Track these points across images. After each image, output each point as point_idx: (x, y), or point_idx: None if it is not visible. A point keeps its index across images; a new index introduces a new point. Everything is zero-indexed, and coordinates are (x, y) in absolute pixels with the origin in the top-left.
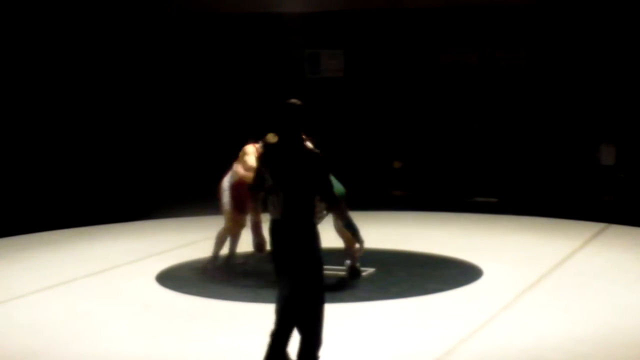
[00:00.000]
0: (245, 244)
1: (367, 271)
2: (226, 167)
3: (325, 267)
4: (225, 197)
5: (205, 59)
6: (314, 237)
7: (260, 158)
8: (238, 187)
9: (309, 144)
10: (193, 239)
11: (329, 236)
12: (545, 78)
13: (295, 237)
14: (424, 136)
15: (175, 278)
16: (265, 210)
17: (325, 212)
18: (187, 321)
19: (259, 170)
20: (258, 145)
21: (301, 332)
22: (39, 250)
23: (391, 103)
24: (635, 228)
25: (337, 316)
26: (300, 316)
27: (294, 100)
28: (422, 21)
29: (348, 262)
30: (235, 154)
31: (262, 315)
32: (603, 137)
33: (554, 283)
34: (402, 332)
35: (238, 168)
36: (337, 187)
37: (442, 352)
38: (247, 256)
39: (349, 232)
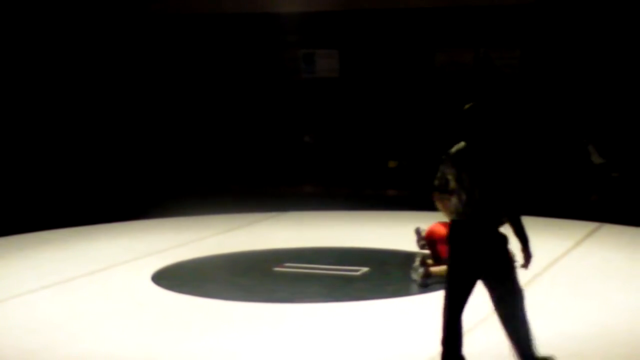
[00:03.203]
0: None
1: (362, 270)
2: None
3: (324, 266)
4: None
5: (201, 59)
6: (501, 238)
7: (447, 160)
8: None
9: (501, 145)
10: (189, 239)
11: (328, 235)
12: (540, 77)
13: (481, 239)
14: (419, 136)
15: (172, 277)
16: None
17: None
18: (183, 320)
19: (444, 172)
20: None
21: (509, 338)
22: (36, 250)
23: (386, 103)
24: (628, 227)
25: (332, 315)
26: (502, 322)
27: (473, 104)
28: (417, 21)
29: (421, 270)
30: (233, 153)
31: (257, 314)
32: (594, 136)
33: (547, 282)
34: (396, 331)
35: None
36: None
37: (437, 351)
38: None
39: (520, 241)
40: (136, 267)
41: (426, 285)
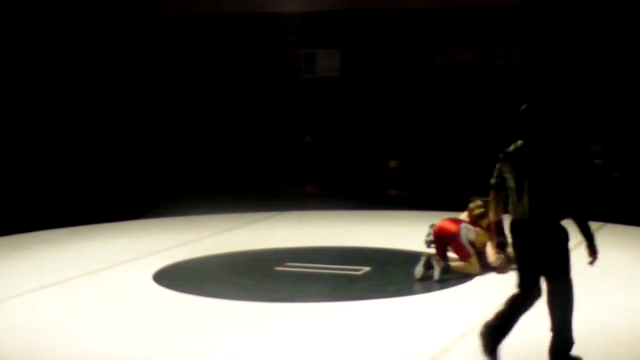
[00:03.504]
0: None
1: (364, 270)
2: (222, 166)
3: (325, 266)
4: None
5: (202, 59)
6: (561, 236)
7: (505, 159)
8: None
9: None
10: (190, 239)
11: (330, 235)
12: (541, 78)
13: (540, 237)
14: (420, 136)
15: (173, 277)
16: (505, 211)
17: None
18: (185, 320)
19: (501, 171)
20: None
21: (552, 326)
22: (35, 250)
23: (387, 103)
24: (630, 227)
25: (334, 315)
26: (549, 310)
27: (530, 104)
28: (418, 21)
29: (442, 265)
30: (234, 153)
31: (260, 314)
32: (595, 137)
33: None
34: (398, 331)
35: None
36: None
37: (438, 350)
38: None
39: (586, 238)
40: (137, 267)
41: (442, 280)
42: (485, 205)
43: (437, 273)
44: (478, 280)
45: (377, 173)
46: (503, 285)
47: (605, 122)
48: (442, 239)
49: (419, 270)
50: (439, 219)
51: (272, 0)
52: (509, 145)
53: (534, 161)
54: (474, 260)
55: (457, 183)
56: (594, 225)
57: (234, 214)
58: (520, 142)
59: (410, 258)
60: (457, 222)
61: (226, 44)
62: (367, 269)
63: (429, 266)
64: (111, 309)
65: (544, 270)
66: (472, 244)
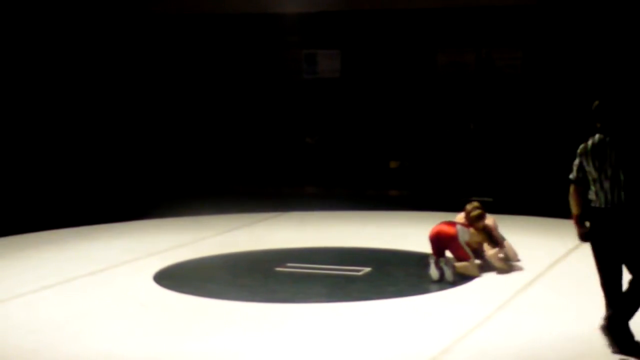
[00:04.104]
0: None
1: (364, 271)
2: (226, 165)
3: (326, 266)
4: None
5: (203, 60)
6: None
7: (584, 154)
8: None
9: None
10: (190, 239)
11: (330, 236)
12: (542, 78)
13: (624, 225)
14: (420, 136)
15: (173, 277)
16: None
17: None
18: (185, 320)
19: (581, 165)
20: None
21: (621, 306)
22: (37, 250)
23: (388, 103)
24: None
25: (334, 315)
26: (627, 292)
27: (602, 100)
28: (418, 22)
29: (448, 270)
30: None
31: (260, 315)
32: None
33: (550, 282)
34: (398, 331)
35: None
36: None
37: (438, 351)
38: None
39: None
40: (137, 268)
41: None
42: (482, 207)
43: (449, 274)
44: (477, 281)
45: (377, 173)
46: (501, 286)
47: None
48: (441, 243)
49: (433, 272)
50: (439, 219)
51: (272, 1)
52: (498, 145)
53: (617, 151)
54: (473, 261)
55: (458, 183)
56: None
57: (234, 214)
58: (598, 136)
59: (411, 259)
60: (452, 224)
61: (226, 45)
62: (367, 269)
63: (439, 268)
64: (112, 309)
65: (626, 258)
66: (468, 244)
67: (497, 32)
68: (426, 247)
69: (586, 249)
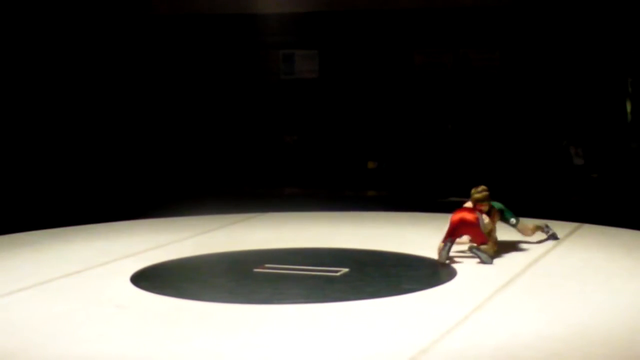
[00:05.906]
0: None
1: (342, 271)
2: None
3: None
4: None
5: (179, 60)
6: None
7: None
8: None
9: None
10: (168, 240)
11: (308, 236)
12: (519, 78)
13: None
14: (398, 136)
15: (151, 279)
16: None
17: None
18: (163, 322)
19: None
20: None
21: None
22: (13, 252)
23: (365, 103)
24: (607, 227)
25: (310, 316)
26: None
27: None
28: (396, 22)
29: (483, 254)
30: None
31: (239, 316)
32: (573, 137)
33: (527, 283)
34: (376, 331)
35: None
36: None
37: (416, 351)
38: None
39: None
40: (114, 269)
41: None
42: (487, 190)
43: (485, 257)
44: (456, 281)
45: (355, 174)
46: (479, 287)
47: (585, 123)
48: (464, 228)
49: (444, 254)
50: (417, 219)
51: (249, 1)
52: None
53: None
54: (493, 246)
55: (435, 184)
56: (571, 226)
57: (212, 215)
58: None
59: (389, 259)
60: (471, 210)
61: (203, 45)
62: (345, 270)
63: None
64: (88, 311)
65: None
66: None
67: (474, 33)
68: (404, 248)
69: (565, 248)
